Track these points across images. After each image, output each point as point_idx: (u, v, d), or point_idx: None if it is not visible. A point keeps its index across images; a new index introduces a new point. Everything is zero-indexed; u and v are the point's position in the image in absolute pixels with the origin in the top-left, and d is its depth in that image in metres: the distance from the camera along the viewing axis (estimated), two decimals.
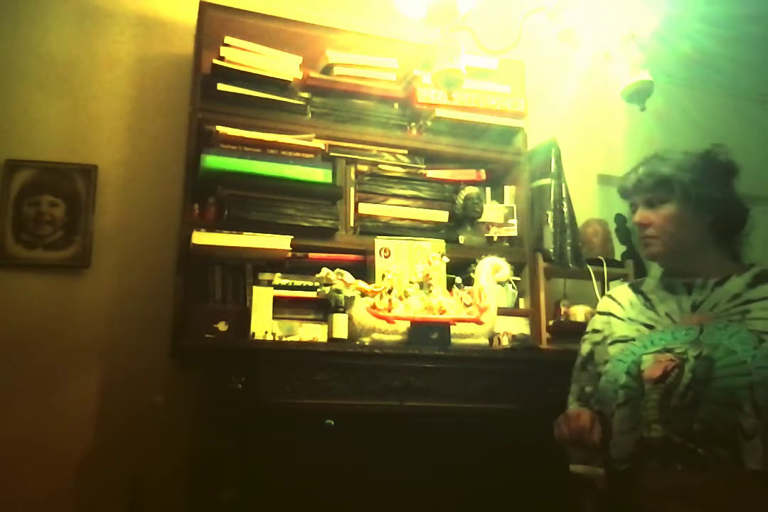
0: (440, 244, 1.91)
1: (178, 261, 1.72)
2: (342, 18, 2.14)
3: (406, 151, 2.07)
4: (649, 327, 1.33)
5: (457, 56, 1.62)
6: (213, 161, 1.78)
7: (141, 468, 1.74)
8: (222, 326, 1.64)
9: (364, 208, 1.96)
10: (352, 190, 1.97)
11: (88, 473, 1.77)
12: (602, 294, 1.97)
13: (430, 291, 1.77)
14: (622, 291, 1.47)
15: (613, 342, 1.35)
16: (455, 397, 1.57)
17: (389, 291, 1.74)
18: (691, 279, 1.35)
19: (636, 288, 1.44)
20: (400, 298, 1.74)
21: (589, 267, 2.11)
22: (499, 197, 2.17)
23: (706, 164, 1.36)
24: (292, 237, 1.77)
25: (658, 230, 1.35)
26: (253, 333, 1.62)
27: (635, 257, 2.27)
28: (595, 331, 1.43)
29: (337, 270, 1.70)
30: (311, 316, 1.76)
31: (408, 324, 1.69)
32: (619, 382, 1.27)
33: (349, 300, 1.68)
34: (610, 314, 1.42)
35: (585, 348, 1.44)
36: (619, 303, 1.43)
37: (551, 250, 2.07)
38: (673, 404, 1.19)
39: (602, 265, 2.14)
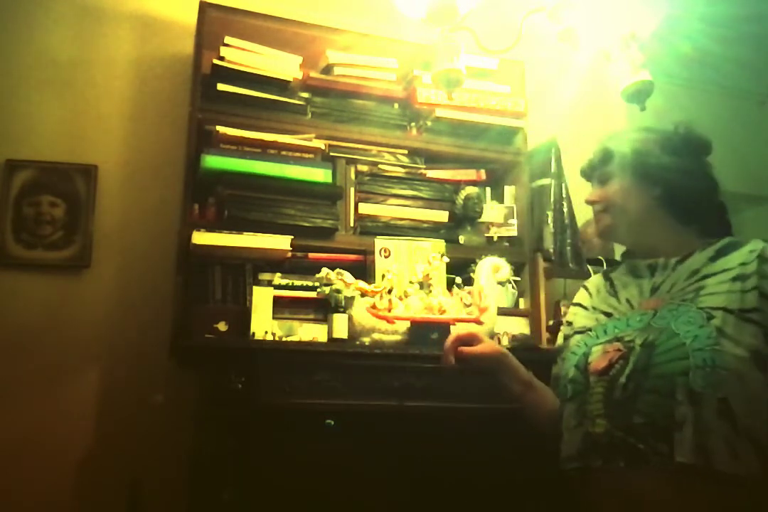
0: (440, 244, 1.91)
1: (178, 261, 1.72)
2: (342, 18, 2.14)
3: (406, 151, 2.07)
4: (608, 314, 1.28)
5: (457, 56, 1.62)
6: (213, 161, 1.78)
7: (141, 468, 1.74)
8: (222, 326, 1.64)
9: (364, 208, 1.96)
10: (352, 190, 1.97)
11: (88, 473, 1.77)
12: None
13: (430, 291, 1.77)
14: (595, 278, 1.43)
15: (574, 334, 1.32)
16: (456, 397, 1.57)
17: (389, 291, 1.74)
18: (653, 259, 1.30)
19: (606, 275, 1.40)
20: (400, 298, 1.74)
21: (589, 267, 2.10)
22: (499, 197, 2.17)
23: (660, 137, 1.31)
24: (292, 237, 1.77)
25: (605, 204, 1.31)
26: (253, 333, 1.62)
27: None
28: (568, 324, 1.40)
29: (337, 270, 1.70)
30: (311, 316, 1.76)
31: (408, 324, 1.68)
32: (568, 376, 1.22)
33: (349, 300, 1.67)
34: (579, 305, 1.38)
35: (559, 340, 1.42)
36: (589, 292, 1.39)
37: (551, 250, 2.06)
38: (616, 397, 1.12)
39: (602, 265, 2.13)
